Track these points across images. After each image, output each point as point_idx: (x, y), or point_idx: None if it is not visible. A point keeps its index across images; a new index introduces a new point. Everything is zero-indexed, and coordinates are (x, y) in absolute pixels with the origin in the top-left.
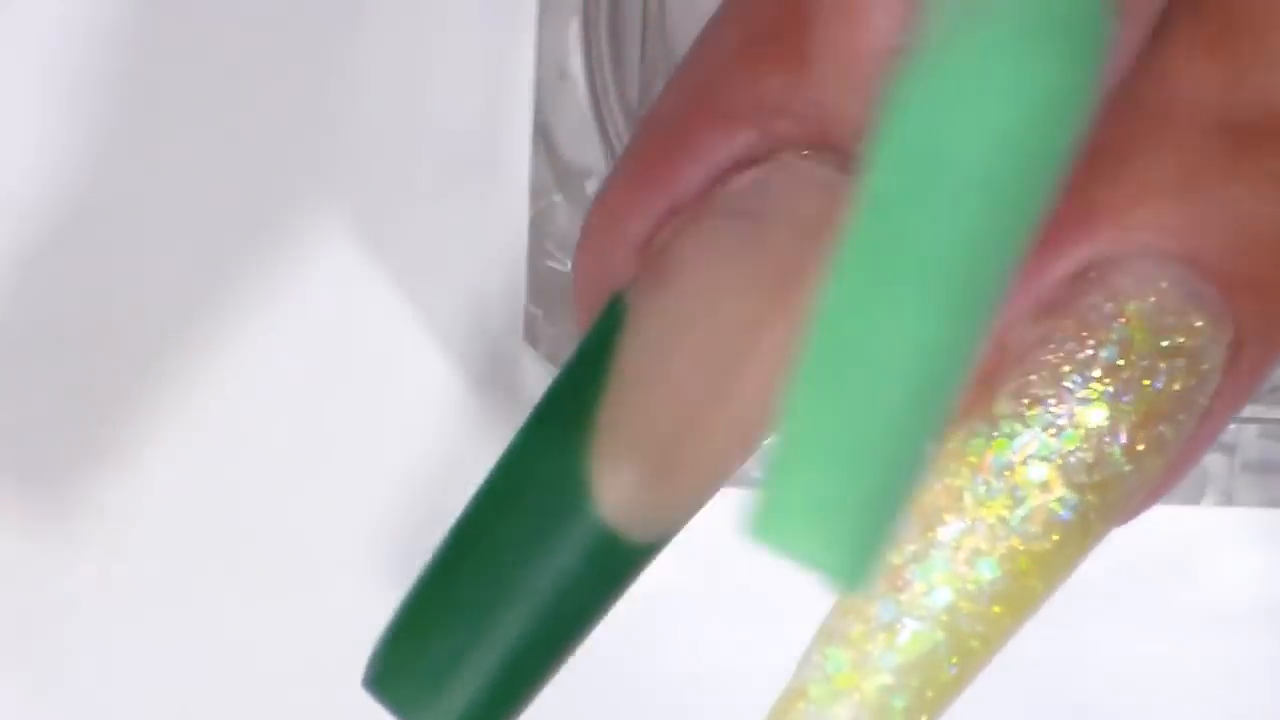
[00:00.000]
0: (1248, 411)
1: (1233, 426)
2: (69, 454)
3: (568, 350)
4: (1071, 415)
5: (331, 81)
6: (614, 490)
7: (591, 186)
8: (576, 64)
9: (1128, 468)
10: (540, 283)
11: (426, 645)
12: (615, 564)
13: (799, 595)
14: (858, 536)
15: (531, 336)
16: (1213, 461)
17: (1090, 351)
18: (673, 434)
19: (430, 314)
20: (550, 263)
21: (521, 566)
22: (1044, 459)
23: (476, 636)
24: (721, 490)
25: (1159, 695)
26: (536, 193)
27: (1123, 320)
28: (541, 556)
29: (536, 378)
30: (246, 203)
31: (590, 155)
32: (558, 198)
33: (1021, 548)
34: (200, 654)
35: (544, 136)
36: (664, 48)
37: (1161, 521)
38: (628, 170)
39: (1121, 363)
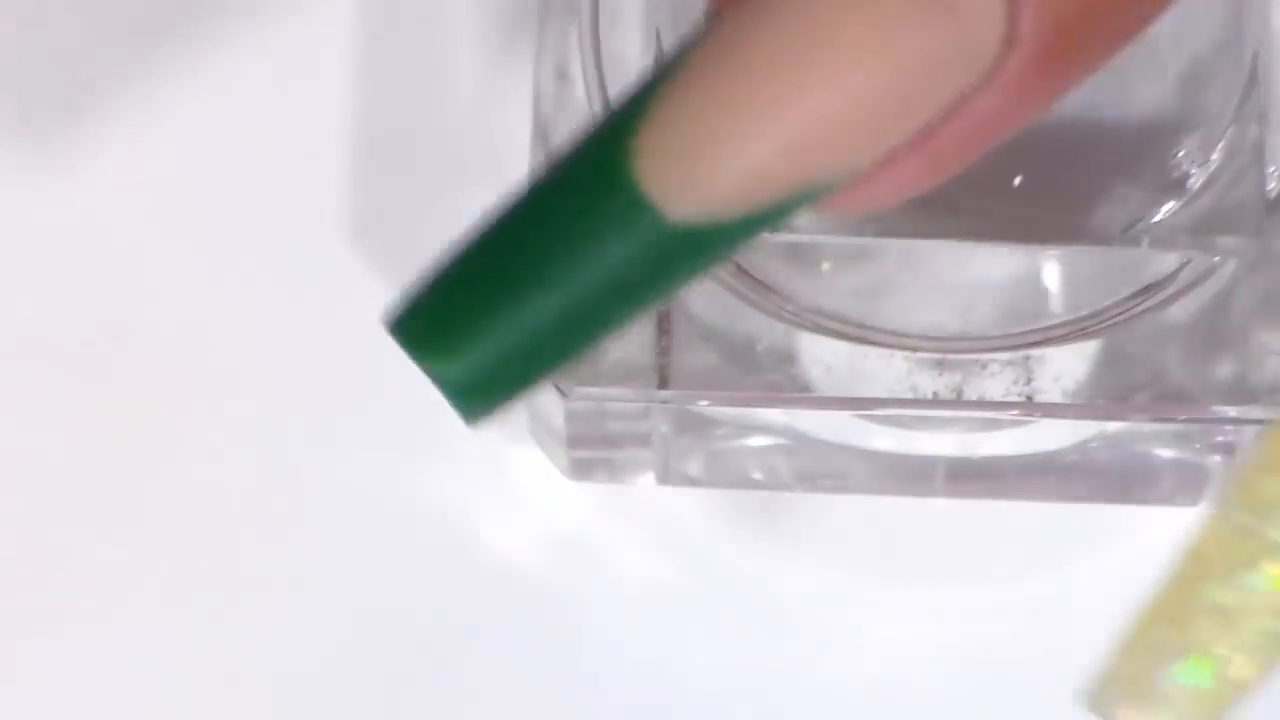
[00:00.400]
0: (1249, 413)
1: (1232, 428)
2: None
3: None
4: None
5: (334, 81)
6: (653, 164)
7: None
8: (576, 64)
9: None
10: None
11: (459, 300)
12: (653, 242)
13: (801, 596)
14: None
15: None
16: (1214, 464)
17: None
18: (718, 126)
19: None
20: None
21: (564, 235)
22: None
23: (512, 297)
24: (722, 492)
25: None
26: None
27: None
28: (583, 224)
29: None
30: (247, 202)
31: None
32: None
33: None
34: (202, 655)
35: (544, 137)
36: (661, 49)
37: (1161, 524)
38: None
39: None
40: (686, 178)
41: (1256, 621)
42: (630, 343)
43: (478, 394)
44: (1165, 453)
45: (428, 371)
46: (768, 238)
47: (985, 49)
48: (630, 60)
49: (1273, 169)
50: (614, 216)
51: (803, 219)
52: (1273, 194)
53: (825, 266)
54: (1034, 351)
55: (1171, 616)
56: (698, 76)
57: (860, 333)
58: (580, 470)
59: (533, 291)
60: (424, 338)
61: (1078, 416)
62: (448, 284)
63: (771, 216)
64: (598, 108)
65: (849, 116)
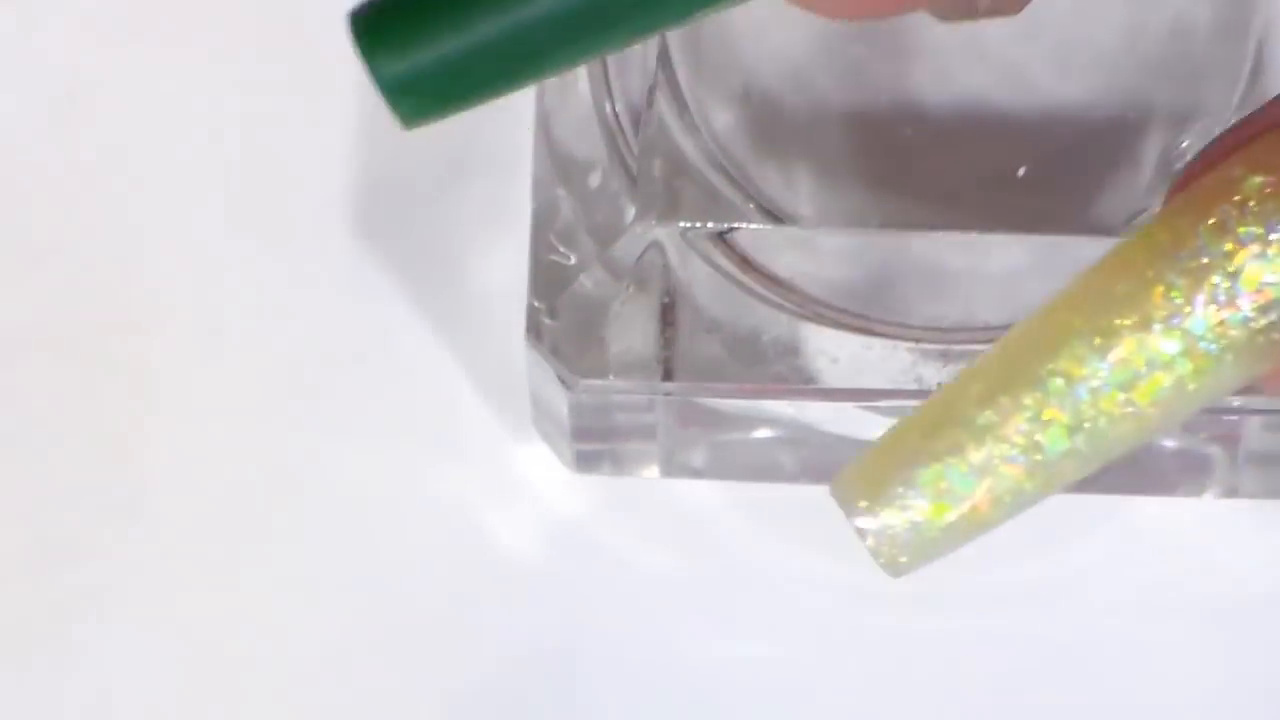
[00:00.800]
0: (1252, 404)
1: (1235, 418)
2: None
3: (571, 345)
4: None
5: (335, 77)
6: None
7: (595, 180)
8: None
9: None
10: (543, 276)
11: (422, 10)
12: None
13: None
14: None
15: (534, 331)
16: (1216, 454)
17: None
18: None
19: (434, 309)
20: (553, 256)
21: None
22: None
23: (460, 6)
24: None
25: (1162, 686)
26: (539, 186)
27: None
28: None
29: (540, 371)
30: (255, 199)
31: (592, 148)
32: (560, 191)
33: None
34: (207, 644)
35: (545, 130)
36: (663, 41)
37: (1163, 514)
38: None
39: None
40: None
41: (1053, 429)
42: (635, 335)
43: (414, 95)
44: (1168, 443)
45: (370, 67)
46: (774, 231)
47: None
48: (631, 55)
49: None
50: None
51: (804, 210)
52: None
53: (829, 258)
54: None
55: (935, 419)
56: None
57: (864, 324)
58: (585, 463)
59: (482, 4)
60: (372, 32)
61: None
62: None
63: None
64: (602, 101)
65: None
